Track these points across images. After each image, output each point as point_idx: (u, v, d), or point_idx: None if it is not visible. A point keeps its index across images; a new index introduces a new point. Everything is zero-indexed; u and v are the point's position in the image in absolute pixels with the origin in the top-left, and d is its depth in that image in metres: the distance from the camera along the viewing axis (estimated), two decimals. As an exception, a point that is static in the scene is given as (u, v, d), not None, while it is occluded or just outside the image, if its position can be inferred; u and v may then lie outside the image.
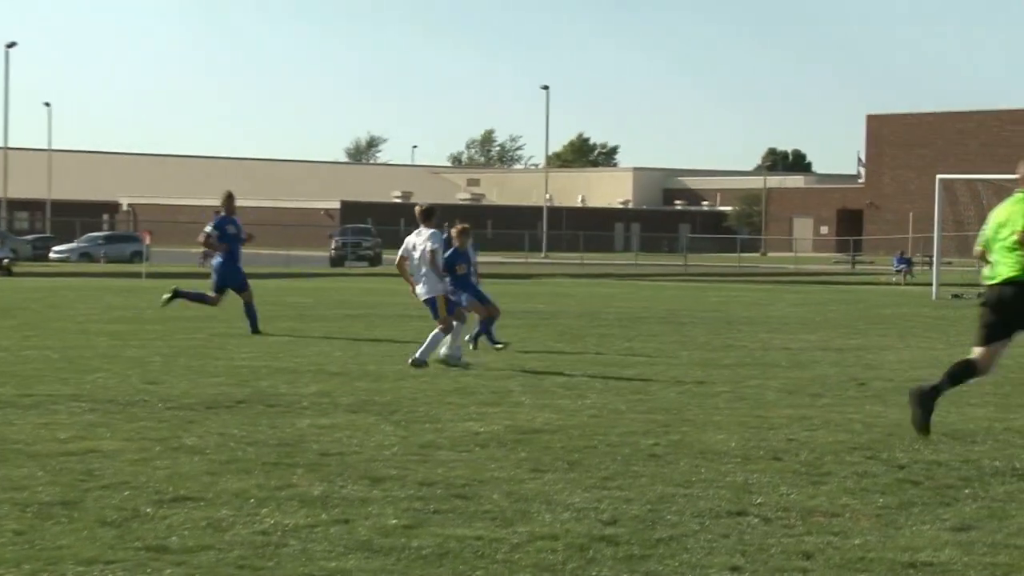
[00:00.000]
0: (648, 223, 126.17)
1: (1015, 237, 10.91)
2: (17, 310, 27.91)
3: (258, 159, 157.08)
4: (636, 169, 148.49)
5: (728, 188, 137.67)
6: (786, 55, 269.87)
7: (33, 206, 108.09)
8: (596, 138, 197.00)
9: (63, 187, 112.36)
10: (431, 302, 16.92)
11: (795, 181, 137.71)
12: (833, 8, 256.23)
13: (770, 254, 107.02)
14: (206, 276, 26.25)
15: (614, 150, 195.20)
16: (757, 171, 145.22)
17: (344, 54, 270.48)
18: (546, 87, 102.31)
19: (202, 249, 33.26)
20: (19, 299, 32.49)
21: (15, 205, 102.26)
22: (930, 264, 51.77)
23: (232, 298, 22.03)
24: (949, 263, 60.95)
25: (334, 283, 47.39)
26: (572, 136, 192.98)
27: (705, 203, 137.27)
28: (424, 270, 16.91)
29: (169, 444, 10.45)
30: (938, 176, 44.32)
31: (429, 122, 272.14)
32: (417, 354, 16.48)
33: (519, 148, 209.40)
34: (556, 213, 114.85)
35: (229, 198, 22.27)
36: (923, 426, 11.13)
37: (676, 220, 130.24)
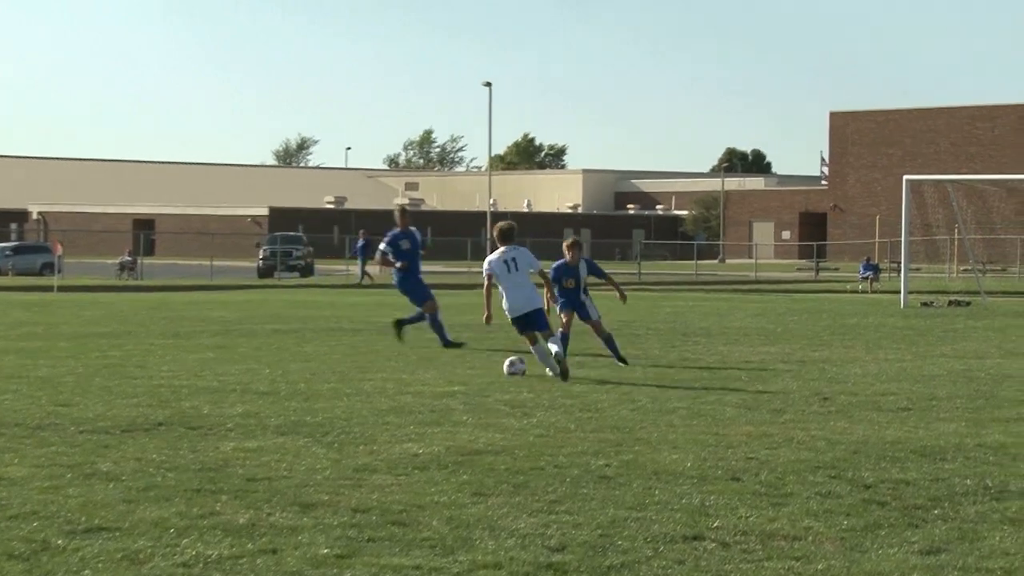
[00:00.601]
0: (599, 229, 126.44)
1: None
2: (-82, 327, 27.65)
3: (179, 163, 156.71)
4: (586, 171, 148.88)
5: (684, 191, 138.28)
6: (745, 49, 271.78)
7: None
8: (543, 138, 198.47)
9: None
10: (540, 312, 18.25)
11: (755, 183, 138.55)
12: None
13: (729, 261, 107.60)
14: (121, 289, 26.04)
15: (562, 151, 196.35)
16: (714, 173, 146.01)
17: (271, 49, 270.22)
18: (488, 84, 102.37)
19: (119, 259, 33.13)
20: (-80, 315, 32.17)
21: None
22: (898, 270, 52.16)
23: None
24: (918, 269, 61.48)
25: (262, 295, 47.24)
26: (517, 136, 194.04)
27: (659, 207, 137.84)
28: (521, 281, 18.25)
29: (82, 470, 10.39)
30: (905, 177, 44.65)
31: (363, 122, 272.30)
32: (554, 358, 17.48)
33: (460, 149, 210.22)
34: (501, 219, 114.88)
35: (403, 213, 23.56)
36: None
37: (629, 225, 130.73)
